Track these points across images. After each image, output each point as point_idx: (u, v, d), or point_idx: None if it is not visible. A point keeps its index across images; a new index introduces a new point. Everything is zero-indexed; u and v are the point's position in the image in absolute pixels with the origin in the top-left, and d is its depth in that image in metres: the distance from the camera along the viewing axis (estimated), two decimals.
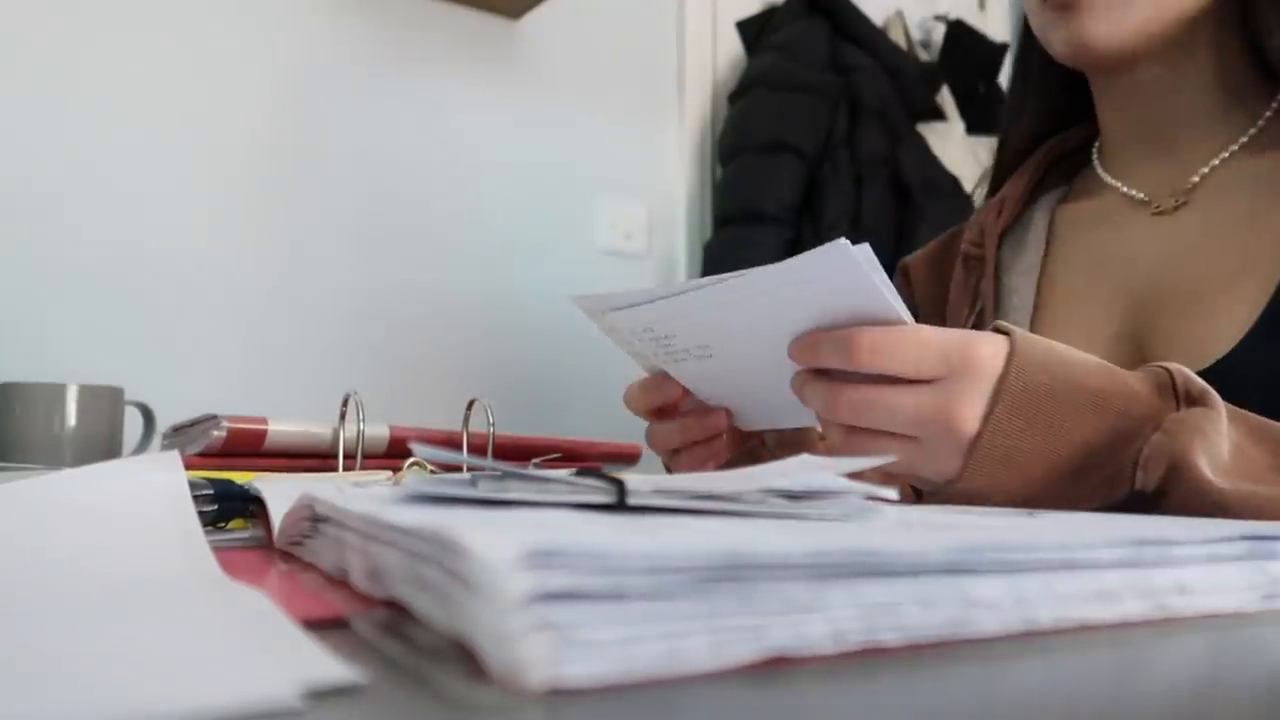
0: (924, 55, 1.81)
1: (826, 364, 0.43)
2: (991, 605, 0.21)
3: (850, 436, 0.43)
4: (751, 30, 1.64)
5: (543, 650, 0.16)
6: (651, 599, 0.17)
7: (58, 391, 0.80)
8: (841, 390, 0.42)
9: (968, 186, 1.56)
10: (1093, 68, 0.64)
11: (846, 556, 0.19)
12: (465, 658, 0.17)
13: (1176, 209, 0.62)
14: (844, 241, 0.39)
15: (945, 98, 1.71)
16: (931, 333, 0.41)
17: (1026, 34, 0.70)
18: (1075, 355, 0.43)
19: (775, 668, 0.18)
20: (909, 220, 1.51)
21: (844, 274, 0.40)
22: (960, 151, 1.65)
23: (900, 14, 1.80)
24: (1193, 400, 0.41)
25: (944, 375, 0.41)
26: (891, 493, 0.30)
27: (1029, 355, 0.41)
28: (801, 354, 0.44)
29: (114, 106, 1.19)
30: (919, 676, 0.18)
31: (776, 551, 0.18)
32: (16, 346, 1.09)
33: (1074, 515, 0.34)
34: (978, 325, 0.66)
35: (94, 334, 1.15)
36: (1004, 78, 1.81)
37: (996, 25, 1.96)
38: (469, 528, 0.18)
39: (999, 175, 0.75)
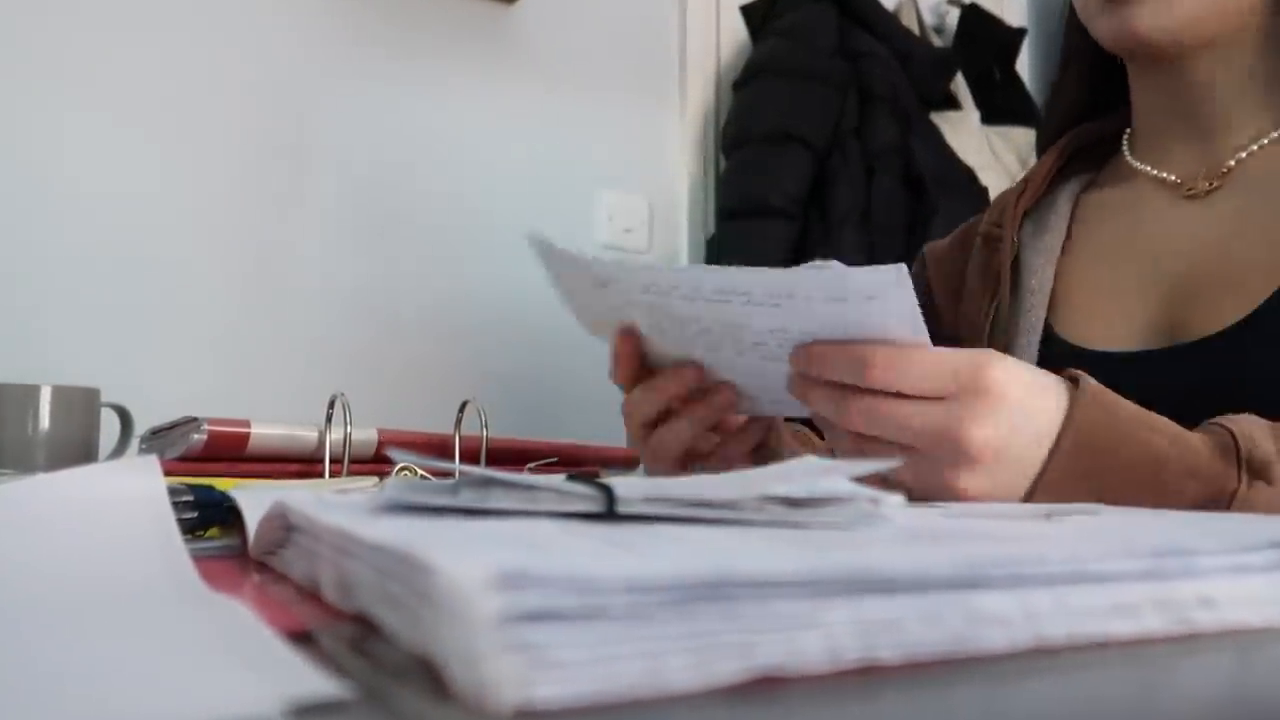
0: (937, 41, 1.81)
1: (836, 378, 0.44)
2: (999, 620, 0.20)
3: (859, 445, 0.45)
4: (756, 15, 1.64)
5: (512, 670, 0.15)
6: (630, 619, 0.17)
7: (31, 393, 0.80)
8: (854, 398, 0.44)
9: (983, 178, 1.56)
10: (1137, 56, 0.65)
11: (842, 574, 0.18)
12: (433, 677, 0.17)
13: (1210, 192, 0.63)
14: (902, 269, 0.40)
15: (960, 85, 1.71)
16: (944, 353, 0.43)
17: (1071, 16, 0.71)
18: (1138, 417, 0.44)
19: (765, 687, 0.17)
20: (921, 214, 1.50)
21: (889, 299, 0.41)
22: (975, 141, 1.65)
23: None
24: (1254, 470, 0.43)
25: (954, 394, 0.42)
26: (897, 498, 0.30)
27: (1087, 414, 0.43)
28: (810, 365, 0.45)
29: (90, 101, 1.19)
30: (920, 695, 0.18)
31: (764, 570, 0.18)
32: None
33: (1093, 520, 0.33)
34: (996, 308, 0.68)
35: (69, 333, 1.15)
36: (1021, 65, 1.81)
37: (1013, 9, 1.95)
38: (439, 545, 0.18)
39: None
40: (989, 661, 0.20)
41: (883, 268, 0.40)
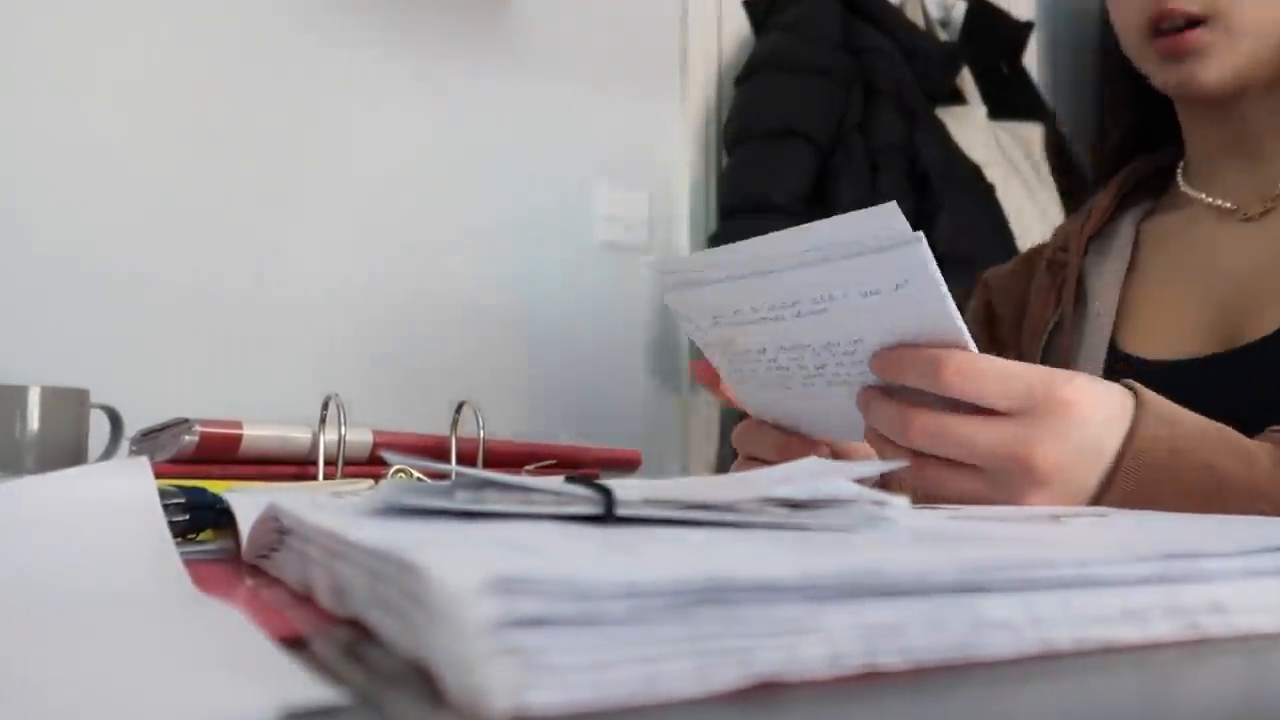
0: (943, 34, 1.81)
1: (909, 382, 0.44)
2: (1004, 625, 0.20)
3: (918, 463, 0.44)
4: (759, 8, 1.64)
5: (506, 676, 0.16)
6: (627, 623, 0.17)
7: (19, 394, 0.80)
8: (915, 414, 0.44)
9: (989, 174, 1.56)
10: (1195, 100, 0.69)
11: (842, 578, 0.18)
12: (427, 682, 0.17)
13: (1265, 214, 0.67)
14: (921, 239, 0.40)
15: (966, 80, 1.71)
16: (1018, 366, 0.43)
17: (1115, 58, 0.74)
18: (1199, 434, 0.44)
19: (765, 692, 0.18)
20: (927, 210, 1.50)
21: (916, 282, 0.42)
22: (982, 137, 1.65)
23: None
24: None
25: (1024, 411, 0.43)
26: (902, 499, 0.30)
27: (1148, 432, 0.43)
28: (886, 369, 0.45)
29: (81, 100, 1.19)
30: (923, 701, 0.18)
31: (764, 574, 0.18)
32: None
33: (1102, 522, 0.33)
34: (1057, 327, 0.71)
35: (58, 332, 1.15)
36: (1029, 59, 1.81)
37: (1020, 2, 1.95)
38: (433, 548, 0.18)
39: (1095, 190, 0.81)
40: (993, 668, 0.20)
41: (883, 214, 0.40)
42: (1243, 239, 0.67)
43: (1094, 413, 0.43)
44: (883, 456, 0.47)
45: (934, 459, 0.44)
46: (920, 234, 0.40)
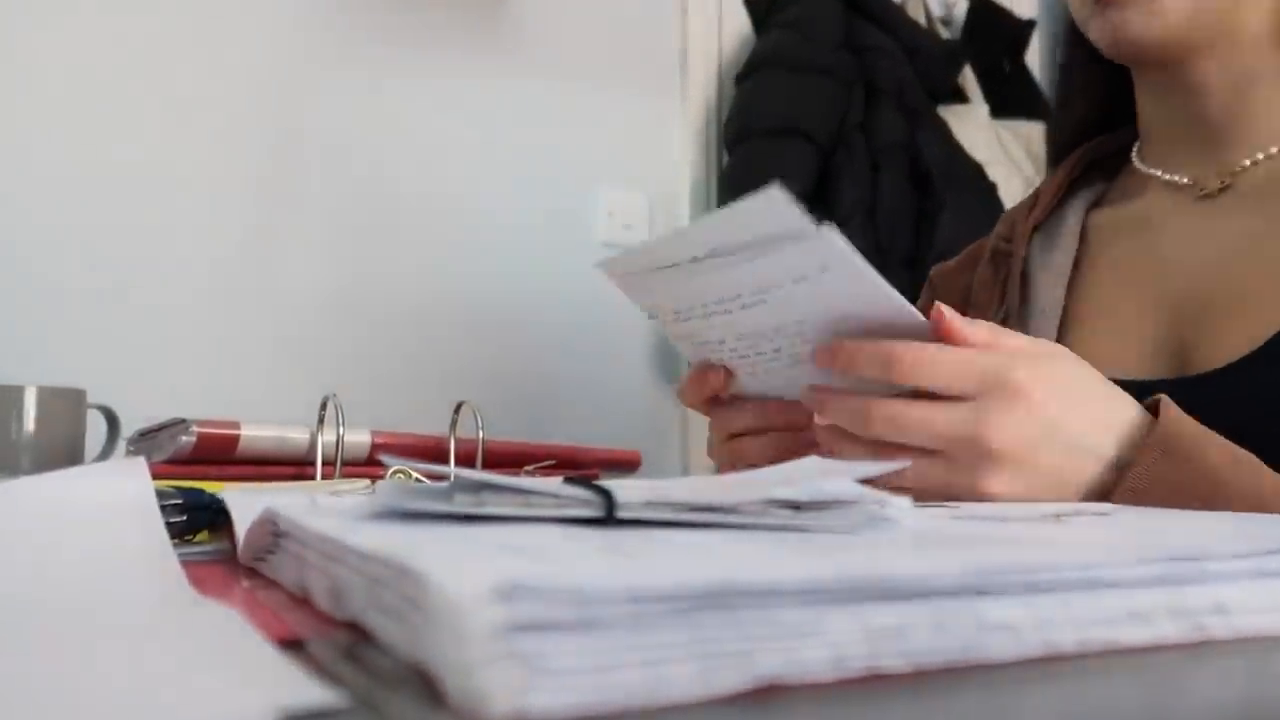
0: (945, 33, 1.81)
1: (863, 374, 0.45)
2: (1008, 628, 0.20)
3: (879, 452, 0.44)
4: (760, 6, 1.64)
5: (507, 679, 0.16)
6: (630, 628, 0.17)
7: (14, 394, 0.80)
8: (874, 404, 0.44)
9: (992, 172, 1.55)
10: (1133, 61, 0.66)
11: (845, 581, 0.19)
12: (427, 686, 0.17)
13: (1223, 190, 0.64)
14: (831, 232, 0.40)
15: (968, 78, 1.71)
16: (972, 352, 0.44)
17: (1072, 26, 0.72)
18: (1214, 449, 0.44)
19: (769, 696, 0.18)
20: (929, 210, 1.50)
21: (831, 259, 0.41)
22: (984, 135, 1.65)
23: None
24: None
25: (979, 393, 0.43)
26: (905, 500, 0.30)
27: (1164, 465, 0.43)
28: (835, 362, 0.45)
29: (73, 93, 1.19)
30: (927, 704, 0.18)
31: (767, 577, 0.18)
32: None
33: (1105, 522, 0.33)
34: (1003, 322, 0.68)
35: (54, 332, 1.15)
36: (1031, 57, 1.81)
37: (1023, 0, 1.95)
38: (433, 555, 0.18)
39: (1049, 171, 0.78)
40: (996, 670, 0.20)
41: (773, 202, 0.39)
42: (1198, 224, 0.64)
43: (1058, 396, 0.43)
44: (838, 453, 0.47)
45: (893, 446, 0.44)
46: (823, 225, 0.40)
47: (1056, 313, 0.66)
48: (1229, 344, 0.57)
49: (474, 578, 0.16)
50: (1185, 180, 0.66)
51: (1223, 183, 0.64)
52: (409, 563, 0.18)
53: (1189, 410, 0.46)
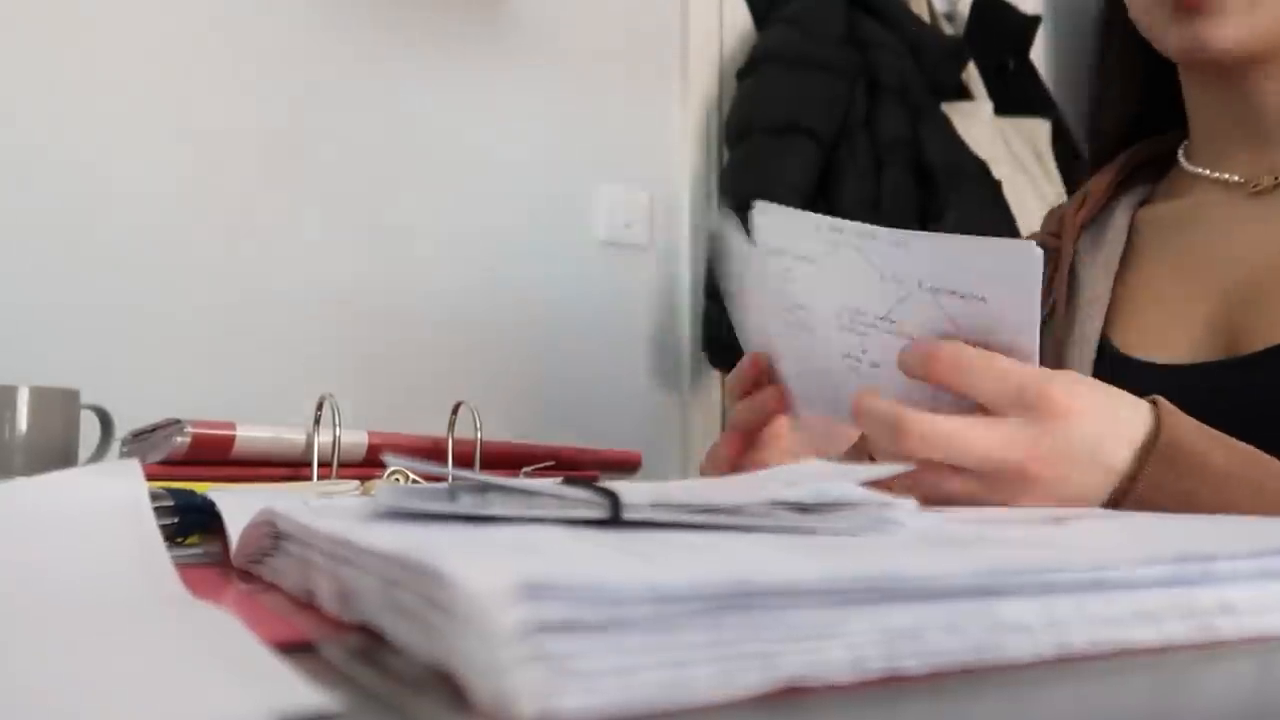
0: (949, 29, 1.81)
1: (905, 373, 0.45)
2: (1022, 629, 0.21)
3: (917, 471, 0.44)
4: (761, 1, 1.64)
5: (534, 681, 0.16)
6: (653, 629, 0.17)
7: (7, 394, 0.80)
8: (911, 422, 0.43)
9: (996, 170, 1.56)
10: (1211, 68, 0.66)
11: (865, 582, 0.19)
12: (446, 687, 0.18)
13: (1276, 187, 0.64)
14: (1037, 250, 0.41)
15: (972, 75, 1.71)
16: (1010, 363, 0.44)
17: (1112, 25, 0.72)
18: (1224, 468, 0.44)
19: (789, 697, 0.18)
20: (932, 207, 1.50)
21: (1019, 279, 0.43)
22: (988, 133, 1.65)
23: None
24: None
25: (1017, 414, 0.43)
26: (909, 502, 0.30)
27: (1159, 469, 0.43)
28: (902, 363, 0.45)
29: (73, 97, 1.19)
30: (944, 705, 0.18)
31: (787, 579, 0.18)
32: None
33: (1110, 523, 0.34)
34: (1049, 317, 0.68)
35: (47, 331, 1.15)
36: (1036, 53, 1.81)
37: None
38: (451, 554, 0.18)
39: (1091, 172, 0.78)
40: (1010, 671, 0.20)
41: (1023, 256, 0.41)
42: (1251, 217, 0.65)
43: (1093, 416, 0.43)
44: (881, 458, 0.46)
45: (931, 465, 0.44)
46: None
47: (1105, 301, 0.67)
48: (1278, 330, 0.58)
49: (499, 578, 0.16)
50: (1237, 179, 0.67)
51: (1277, 179, 0.64)
52: (431, 562, 0.18)
53: (1240, 390, 0.45)
